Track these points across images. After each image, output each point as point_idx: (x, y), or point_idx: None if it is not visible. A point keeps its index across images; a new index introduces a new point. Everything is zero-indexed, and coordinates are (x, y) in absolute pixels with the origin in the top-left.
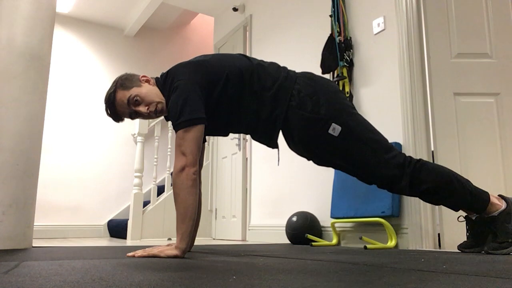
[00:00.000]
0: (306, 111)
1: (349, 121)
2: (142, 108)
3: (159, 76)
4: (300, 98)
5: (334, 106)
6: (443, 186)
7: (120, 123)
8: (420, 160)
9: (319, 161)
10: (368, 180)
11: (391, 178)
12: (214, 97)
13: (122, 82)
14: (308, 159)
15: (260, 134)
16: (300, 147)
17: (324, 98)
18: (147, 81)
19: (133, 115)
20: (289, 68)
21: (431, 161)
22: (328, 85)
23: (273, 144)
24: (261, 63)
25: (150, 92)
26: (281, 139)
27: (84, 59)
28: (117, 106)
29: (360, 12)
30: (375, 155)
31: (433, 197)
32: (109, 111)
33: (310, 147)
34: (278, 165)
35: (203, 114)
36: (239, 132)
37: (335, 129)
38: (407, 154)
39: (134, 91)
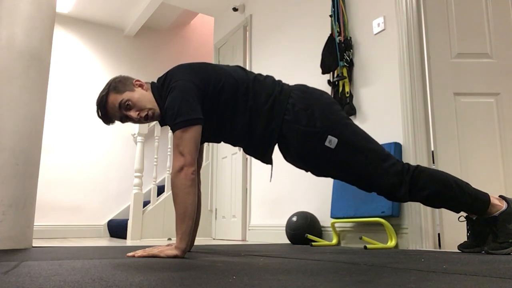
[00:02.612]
0: (302, 124)
1: (345, 132)
2: (133, 113)
3: (155, 81)
4: (294, 112)
5: (329, 118)
6: (443, 192)
7: (119, 124)
8: (418, 166)
9: (318, 173)
10: (368, 189)
11: (390, 187)
12: (208, 102)
13: (115, 85)
14: (306, 171)
15: (253, 148)
16: (297, 160)
17: (319, 111)
18: (141, 85)
19: (124, 119)
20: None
21: (432, 161)
22: (322, 97)
23: (267, 160)
24: (257, 78)
25: (143, 97)
26: (275, 153)
27: (84, 59)
28: (109, 109)
29: (360, 12)
30: (373, 165)
31: (434, 202)
32: (100, 113)
33: (308, 160)
34: (270, 181)
35: (200, 115)
36: (231, 144)
37: (331, 141)
38: (407, 154)
39: (127, 95)
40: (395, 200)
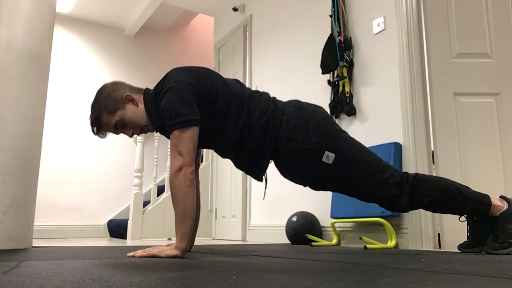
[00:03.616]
0: (298, 142)
1: (342, 146)
2: (127, 132)
3: (155, 81)
4: (289, 130)
5: (325, 133)
6: (443, 198)
7: None
8: (417, 175)
9: (316, 188)
10: (368, 201)
11: (391, 198)
12: (202, 107)
13: (106, 104)
14: (305, 186)
15: (245, 163)
16: (295, 176)
17: (314, 127)
18: (131, 100)
19: (118, 133)
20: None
21: (432, 161)
22: (317, 112)
23: (259, 176)
24: (253, 94)
25: (135, 115)
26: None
27: (84, 59)
28: (103, 129)
29: (360, 12)
30: (372, 177)
31: (435, 209)
32: (94, 132)
33: (306, 176)
34: (264, 199)
35: (198, 116)
36: (221, 155)
37: (328, 157)
38: (407, 154)
39: (119, 115)
40: (397, 211)
